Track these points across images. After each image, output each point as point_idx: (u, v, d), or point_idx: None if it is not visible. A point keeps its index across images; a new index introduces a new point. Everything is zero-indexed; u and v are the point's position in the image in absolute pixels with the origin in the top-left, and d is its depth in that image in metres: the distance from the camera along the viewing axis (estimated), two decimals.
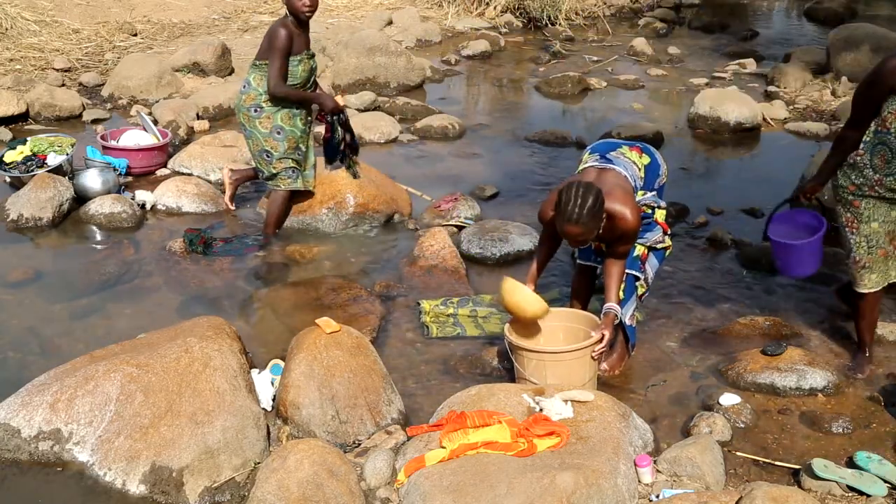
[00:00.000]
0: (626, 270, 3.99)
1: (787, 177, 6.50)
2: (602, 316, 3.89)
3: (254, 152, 5.40)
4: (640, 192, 3.93)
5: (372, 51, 9.13)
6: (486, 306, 4.76)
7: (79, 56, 9.51)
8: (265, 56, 5.15)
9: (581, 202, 3.52)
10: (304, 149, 5.48)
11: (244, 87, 5.29)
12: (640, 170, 3.97)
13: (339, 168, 5.73)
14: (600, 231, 3.71)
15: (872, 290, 4.00)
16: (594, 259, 4.18)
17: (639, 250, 4.05)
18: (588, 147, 4.19)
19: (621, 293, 3.97)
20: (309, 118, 5.49)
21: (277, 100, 5.20)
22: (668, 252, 4.20)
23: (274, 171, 5.41)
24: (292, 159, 5.40)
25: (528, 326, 4.01)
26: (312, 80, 5.37)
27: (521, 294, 3.84)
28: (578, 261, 4.28)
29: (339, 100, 5.54)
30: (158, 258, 5.24)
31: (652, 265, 4.14)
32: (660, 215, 4.07)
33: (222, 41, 9.33)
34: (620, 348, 4.20)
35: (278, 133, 5.30)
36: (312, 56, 5.31)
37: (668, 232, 4.14)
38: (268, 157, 5.35)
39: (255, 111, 5.24)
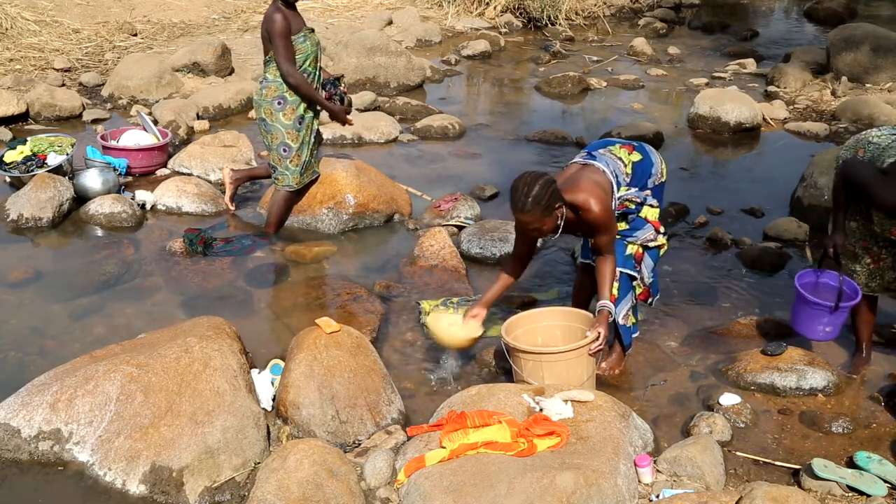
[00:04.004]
0: (621, 270, 3.98)
1: (787, 177, 6.51)
2: (596, 314, 3.89)
3: (272, 147, 5.38)
4: (622, 188, 3.92)
5: (372, 51, 9.13)
6: None
7: (79, 56, 9.51)
8: (270, 47, 5.17)
9: (527, 190, 3.59)
10: (315, 129, 5.49)
11: (262, 82, 5.30)
12: (626, 166, 3.96)
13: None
14: (560, 222, 3.71)
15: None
16: (594, 258, 4.18)
17: (632, 249, 4.04)
18: (585, 147, 4.21)
19: (615, 291, 3.97)
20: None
21: (297, 91, 5.20)
22: (662, 251, 4.19)
23: (289, 168, 5.39)
24: (307, 149, 5.41)
25: (524, 326, 4.02)
26: (320, 57, 5.38)
27: (440, 334, 4.09)
28: (580, 260, 4.29)
29: (348, 119, 5.54)
30: (158, 258, 5.24)
31: (647, 265, 4.13)
32: (650, 213, 4.06)
33: (222, 41, 9.32)
34: (619, 348, 4.20)
35: (300, 123, 5.31)
36: (312, 31, 5.32)
37: (662, 231, 4.14)
38: (286, 151, 5.35)
39: (279, 103, 5.24)
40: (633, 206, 3.99)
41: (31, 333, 4.42)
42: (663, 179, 4.13)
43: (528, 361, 3.80)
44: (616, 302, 3.98)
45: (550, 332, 4.05)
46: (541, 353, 3.82)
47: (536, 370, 3.78)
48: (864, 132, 4.04)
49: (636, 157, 4.02)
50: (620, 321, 4.07)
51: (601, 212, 3.73)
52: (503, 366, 4.16)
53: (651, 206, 4.05)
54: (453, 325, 4.04)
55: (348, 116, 5.54)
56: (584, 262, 4.25)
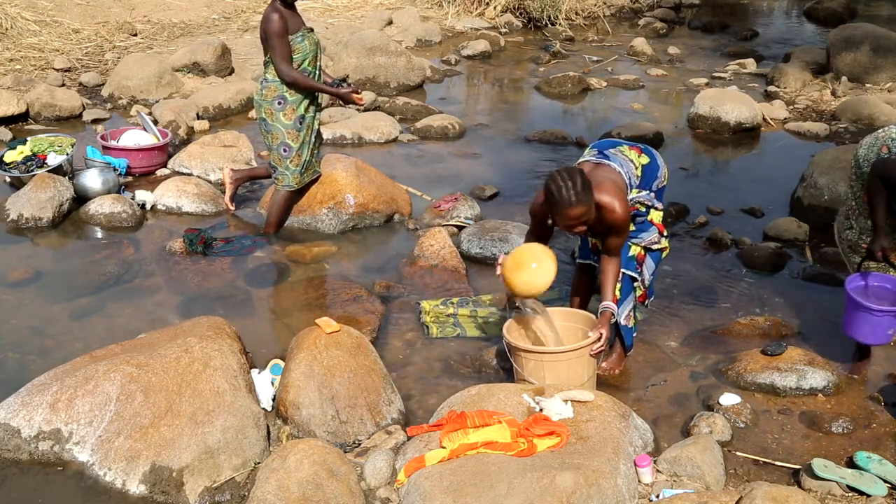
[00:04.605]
0: (623, 271, 3.98)
1: (787, 177, 6.51)
2: (598, 315, 3.89)
3: (273, 147, 5.37)
4: (634, 190, 3.93)
5: (372, 51, 9.13)
6: (486, 307, 4.76)
7: (79, 56, 9.51)
8: (269, 48, 5.17)
9: (571, 183, 3.53)
10: (316, 129, 5.49)
11: (262, 83, 5.29)
12: (636, 168, 3.97)
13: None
14: (590, 220, 3.70)
15: None
16: (593, 258, 4.18)
17: (635, 251, 4.04)
18: (590, 145, 4.20)
19: (618, 293, 3.97)
20: (319, 104, 5.53)
21: (297, 88, 5.21)
22: (664, 254, 4.19)
23: (289, 168, 5.39)
24: (307, 149, 5.41)
25: (526, 325, 4.02)
26: (320, 57, 5.38)
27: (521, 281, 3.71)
28: (578, 260, 4.28)
29: (357, 98, 5.44)
30: (158, 258, 5.24)
31: (648, 267, 4.14)
32: (656, 216, 4.06)
33: (222, 41, 9.32)
34: (620, 348, 4.20)
35: (300, 123, 5.31)
36: (311, 30, 5.32)
37: (665, 234, 4.14)
38: (286, 151, 5.35)
39: (279, 103, 5.24)
40: (643, 209, 3.99)
41: (31, 333, 4.42)
42: (665, 183, 4.14)
43: (530, 361, 3.80)
44: (618, 303, 3.98)
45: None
46: (542, 352, 3.82)
47: (538, 370, 3.78)
48: (882, 129, 4.01)
49: (644, 159, 4.02)
50: (623, 322, 4.07)
51: (624, 213, 3.73)
52: (503, 366, 4.16)
53: (656, 209, 4.06)
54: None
55: (357, 96, 5.43)
56: (582, 262, 4.25)
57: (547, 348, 3.89)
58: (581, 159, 4.04)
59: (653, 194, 4.04)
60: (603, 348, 3.84)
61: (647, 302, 4.29)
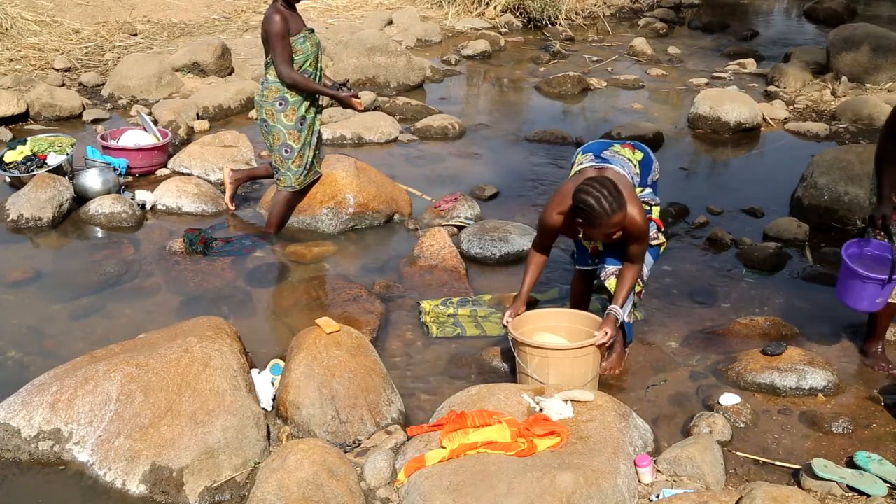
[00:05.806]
0: None
1: (787, 177, 6.52)
2: (604, 316, 3.89)
3: (274, 148, 5.38)
4: (637, 189, 3.93)
5: (372, 51, 9.13)
6: (486, 306, 4.76)
7: (79, 56, 9.51)
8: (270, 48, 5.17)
9: (606, 191, 3.51)
10: (317, 129, 5.49)
11: (263, 84, 5.29)
12: (635, 166, 3.98)
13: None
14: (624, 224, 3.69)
15: None
16: (591, 262, 4.18)
17: None
18: (580, 148, 4.18)
19: None
20: (320, 104, 5.53)
21: (297, 89, 5.21)
22: (662, 248, 4.20)
23: (291, 169, 5.40)
24: (308, 150, 5.41)
25: (529, 325, 4.01)
26: (321, 58, 5.37)
27: None
28: (577, 267, 4.26)
29: (357, 103, 5.44)
30: (158, 258, 5.24)
31: (647, 262, 4.14)
32: (655, 212, 4.06)
33: (222, 41, 9.32)
34: (620, 348, 4.20)
35: (301, 124, 5.31)
36: (312, 31, 5.32)
37: (663, 228, 4.15)
38: (288, 152, 5.35)
39: (280, 104, 5.24)
40: (647, 208, 3.99)
41: (31, 333, 4.42)
42: (657, 176, 4.15)
43: (535, 358, 3.80)
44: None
45: (554, 333, 4.04)
46: (549, 349, 3.82)
47: (542, 367, 3.78)
48: None
49: (639, 155, 4.04)
50: (626, 319, 4.07)
51: (643, 220, 3.73)
52: (504, 366, 4.16)
53: (656, 204, 4.06)
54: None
55: (356, 100, 5.45)
56: (580, 269, 4.23)
57: (554, 345, 3.88)
58: (579, 166, 4.01)
59: (651, 189, 4.05)
60: (606, 342, 3.83)
61: (641, 295, 4.28)
